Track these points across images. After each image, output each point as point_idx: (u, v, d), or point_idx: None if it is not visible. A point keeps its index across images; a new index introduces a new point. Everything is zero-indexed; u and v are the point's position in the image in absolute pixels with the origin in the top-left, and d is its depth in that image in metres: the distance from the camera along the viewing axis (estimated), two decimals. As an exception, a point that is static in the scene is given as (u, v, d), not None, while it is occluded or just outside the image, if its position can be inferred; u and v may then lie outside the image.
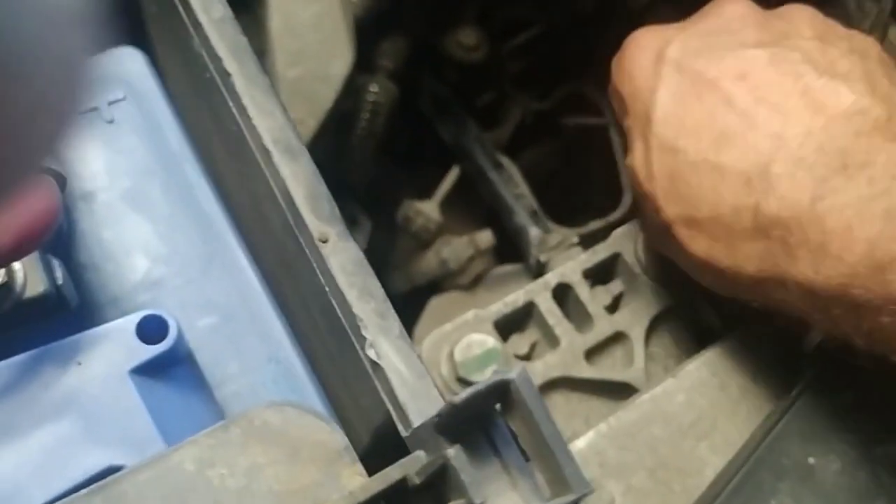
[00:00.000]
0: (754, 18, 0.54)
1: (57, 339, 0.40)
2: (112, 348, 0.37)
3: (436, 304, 0.82)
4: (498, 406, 0.28)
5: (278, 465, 0.31)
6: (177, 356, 0.39)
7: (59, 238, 0.47)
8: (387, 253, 0.85)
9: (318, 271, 0.38)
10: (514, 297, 0.64)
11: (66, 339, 0.40)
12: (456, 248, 0.83)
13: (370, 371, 0.36)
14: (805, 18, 0.53)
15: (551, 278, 0.65)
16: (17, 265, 0.40)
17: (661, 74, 0.54)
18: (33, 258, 0.42)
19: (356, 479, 0.30)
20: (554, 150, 1.00)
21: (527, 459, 0.28)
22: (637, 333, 0.64)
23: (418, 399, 0.29)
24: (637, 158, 0.55)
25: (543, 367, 0.62)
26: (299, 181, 0.39)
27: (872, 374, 0.54)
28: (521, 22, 0.94)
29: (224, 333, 0.45)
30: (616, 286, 0.67)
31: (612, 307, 0.66)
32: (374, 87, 0.78)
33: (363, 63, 0.82)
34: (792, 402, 0.55)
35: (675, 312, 0.66)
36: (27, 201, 0.32)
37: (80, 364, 0.37)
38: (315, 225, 0.38)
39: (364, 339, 0.36)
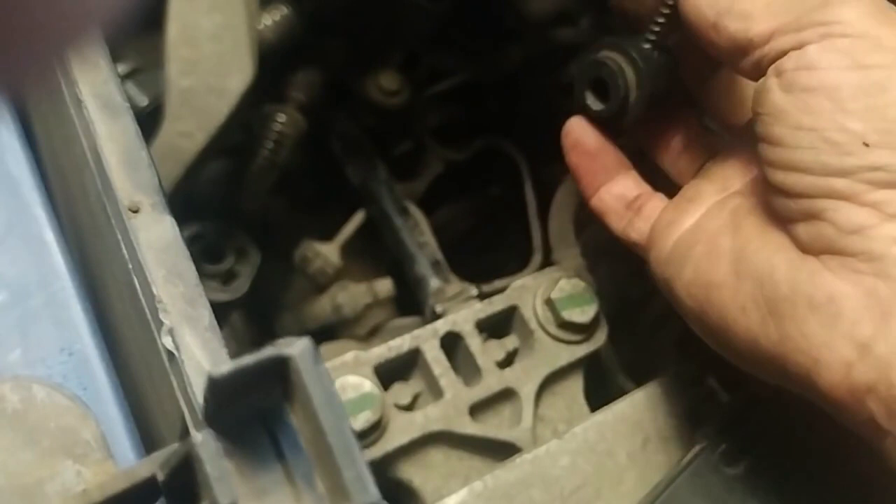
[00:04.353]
0: None
1: None
2: None
3: (325, 350, 0.77)
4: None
5: (8, 453, 0.26)
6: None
7: None
8: (279, 293, 0.80)
9: (122, 245, 0.34)
10: (398, 342, 0.60)
11: None
12: (353, 295, 0.78)
13: (166, 363, 0.31)
14: None
15: (441, 325, 0.61)
16: None
17: None
18: None
19: (104, 477, 0.25)
20: (469, 209, 0.97)
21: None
22: (527, 392, 0.60)
23: (222, 404, 0.24)
24: None
25: (423, 420, 0.57)
26: (115, 141, 0.34)
27: (767, 447, 0.51)
28: (446, 72, 0.92)
29: (11, 314, 0.38)
30: (511, 341, 0.63)
31: (505, 363, 0.62)
32: (280, 118, 0.75)
33: (273, 92, 0.78)
34: (680, 471, 0.51)
35: (570, 373, 0.62)
36: None
37: None
38: (126, 191, 0.33)
39: (161, 324, 0.31)
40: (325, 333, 0.80)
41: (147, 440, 0.37)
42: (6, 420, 0.26)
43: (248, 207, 0.74)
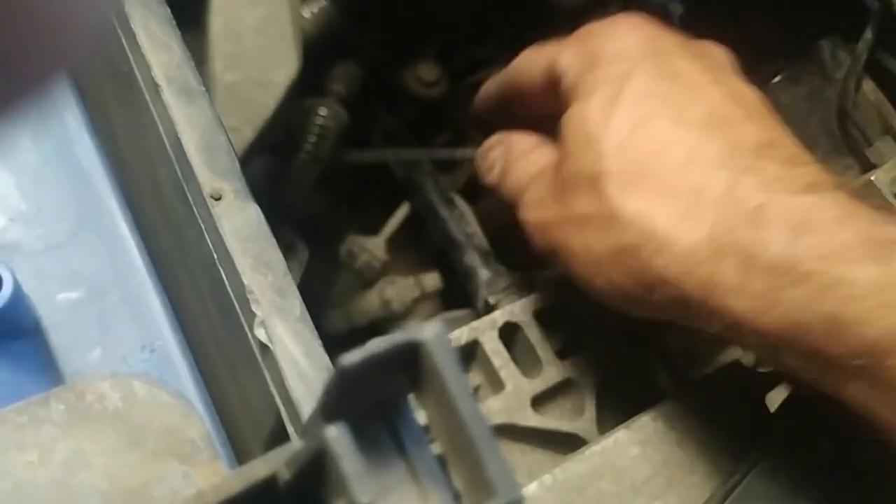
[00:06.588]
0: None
1: None
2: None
3: (375, 346, 0.76)
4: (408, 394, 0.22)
5: (111, 455, 0.24)
6: (15, 325, 0.32)
7: None
8: (326, 289, 0.79)
9: (206, 234, 0.32)
10: (456, 335, 0.58)
11: None
12: (400, 289, 0.77)
13: (259, 357, 0.30)
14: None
15: (499, 317, 0.59)
16: None
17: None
18: None
19: (214, 479, 0.24)
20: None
21: (443, 463, 0.22)
22: (588, 381, 0.59)
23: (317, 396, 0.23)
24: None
25: (485, 413, 0.56)
26: (194, 127, 0.33)
27: (843, 434, 0.49)
28: (483, 62, 0.91)
29: (89, 311, 0.38)
30: (569, 330, 0.61)
31: (564, 353, 0.60)
32: (322, 111, 0.74)
33: (314, 86, 0.77)
34: (756, 461, 0.49)
35: (631, 362, 0.61)
36: None
37: None
38: (207, 178, 0.32)
39: (253, 315, 0.30)
40: (372, 329, 0.79)
41: (230, 438, 0.36)
42: (108, 420, 0.25)
43: (292, 203, 0.73)
